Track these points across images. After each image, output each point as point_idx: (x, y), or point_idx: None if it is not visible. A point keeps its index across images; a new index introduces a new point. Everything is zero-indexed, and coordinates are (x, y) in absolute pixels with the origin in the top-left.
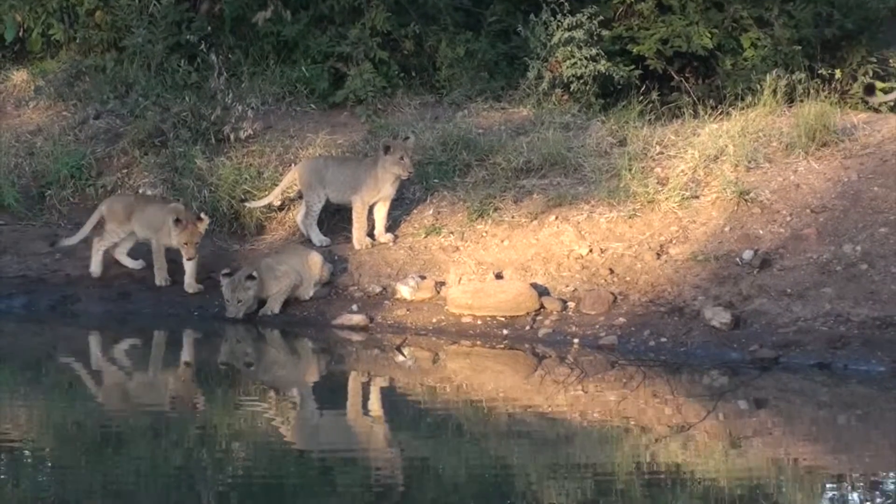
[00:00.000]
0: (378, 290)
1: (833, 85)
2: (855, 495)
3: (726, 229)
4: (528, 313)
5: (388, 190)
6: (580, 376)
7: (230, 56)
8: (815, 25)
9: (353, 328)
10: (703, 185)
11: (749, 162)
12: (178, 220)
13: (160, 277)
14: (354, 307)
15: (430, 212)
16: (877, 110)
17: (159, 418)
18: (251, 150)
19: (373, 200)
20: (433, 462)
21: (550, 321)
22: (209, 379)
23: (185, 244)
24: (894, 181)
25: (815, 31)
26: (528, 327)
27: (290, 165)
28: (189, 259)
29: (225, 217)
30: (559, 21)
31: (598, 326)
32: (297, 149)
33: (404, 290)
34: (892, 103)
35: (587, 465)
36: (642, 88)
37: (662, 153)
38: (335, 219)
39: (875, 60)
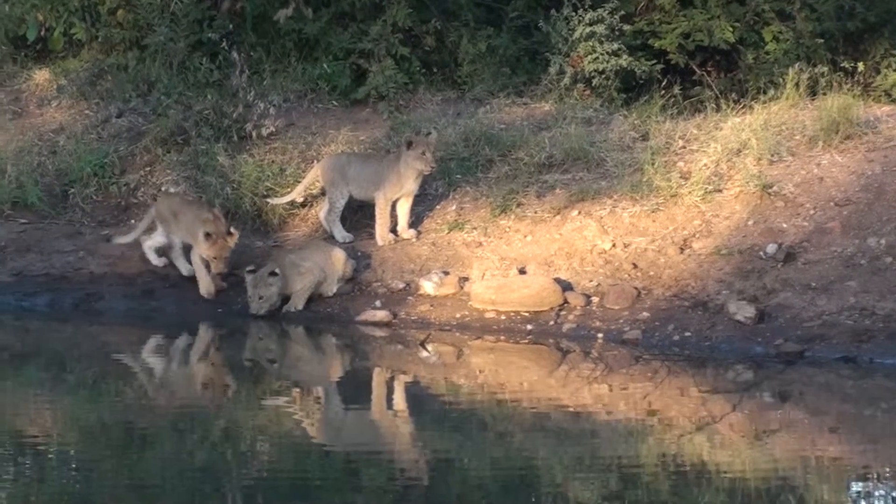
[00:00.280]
0: (401, 286)
1: (856, 78)
2: (881, 489)
3: (750, 223)
4: (551, 308)
5: (410, 186)
6: (605, 371)
7: (252, 54)
8: (838, 18)
9: (376, 324)
10: (726, 179)
11: (772, 155)
12: (208, 235)
13: (204, 289)
14: (378, 303)
15: (453, 207)
16: None
17: (184, 416)
18: (273, 148)
19: (395, 196)
20: (458, 458)
21: (574, 316)
22: (233, 376)
23: (215, 259)
24: None
25: (837, 24)
26: (551, 322)
27: (313, 162)
28: (217, 273)
29: (248, 214)
30: (580, 16)
31: (622, 321)
32: (320, 146)
33: (428, 286)
34: None
35: (612, 460)
36: (664, 83)
37: (685, 147)
38: (358, 215)
39: None
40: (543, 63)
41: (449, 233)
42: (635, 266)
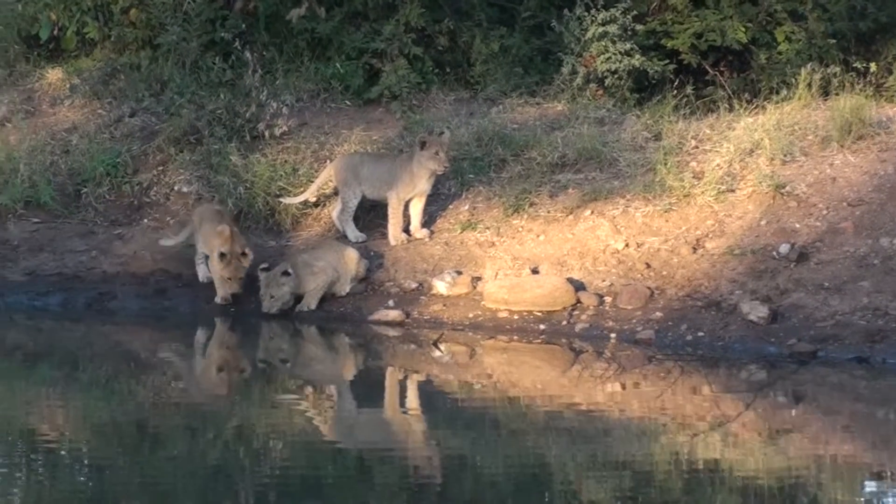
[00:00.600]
0: (414, 285)
1: (868, 78)
2: (895, 489)
3: (763, 223)
4: (564, 308)
5: (423, 186)
6: (617, 371)
7: (265, 53)
8: (850, 18)
9: (389, 324)
10: (738, 179)
11: (785, 155)
12: (223, 255)
13: (220, 295)
14: (391, 303)
15: (466, 207)
16: None
17: (197, 415)
18: (286, 147)
19: (408, 196)
20: (471, 457)
21: (587, 316)
22: (246, 375)
23: (229, 279)
24: None
25: (849, 24)
26: (564, 322)
27: (326, 162)
28: (232, 293)
29: (260, 214)
30: (593, 16)
31: (634, 321)
32: (332, 145)
33: (440, 286)
34: None
35: (625, 460)
36: (677, 83)
37: (698, 147)
38: (371, 215)
39: None
40: (556, 63)
41: (462, 232)
42: (648, 266)
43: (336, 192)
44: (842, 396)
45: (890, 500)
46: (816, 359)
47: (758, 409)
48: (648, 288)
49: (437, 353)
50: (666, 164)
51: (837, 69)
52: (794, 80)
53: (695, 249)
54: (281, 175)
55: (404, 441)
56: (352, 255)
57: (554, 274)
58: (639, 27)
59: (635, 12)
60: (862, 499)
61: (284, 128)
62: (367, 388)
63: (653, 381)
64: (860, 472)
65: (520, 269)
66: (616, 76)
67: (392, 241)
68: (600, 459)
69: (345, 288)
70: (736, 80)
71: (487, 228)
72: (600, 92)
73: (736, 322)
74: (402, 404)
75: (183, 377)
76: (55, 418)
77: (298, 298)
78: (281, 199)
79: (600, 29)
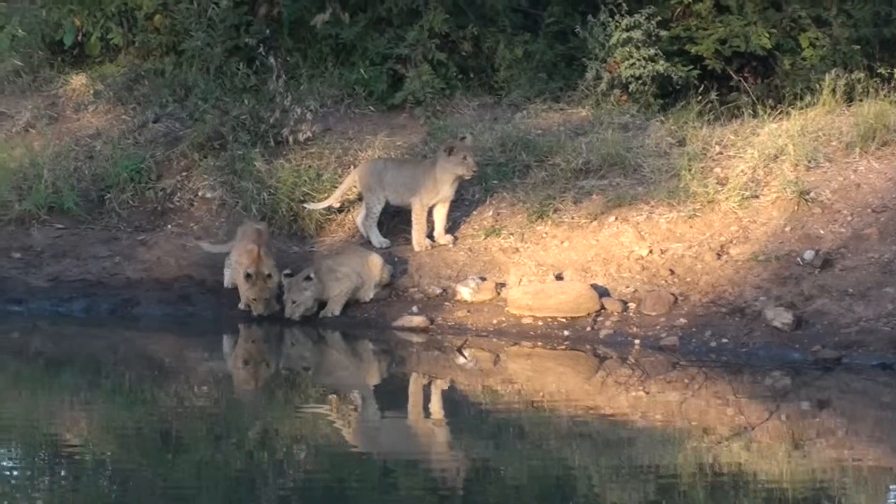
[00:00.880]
0: (438, 291)
1: (892, 84)
2: None
3: (787, 229)
4: (588, 314)
5: (447, 191)
6: (642, 377)
7: (289, 59)
8: (874, 25)
9: (413, 330)
10: (762, 185)
11: (809, 161)
12: (248, 276)
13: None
14: (415, 309)
15: (490, 213)
16: None
17: (220, 422)
18: (310, 153)
19: (432, 202)
20: (495, 464)
21: (611, 322)
22: (270, 381)
23: (254, 300)
24: None
25: (873, 30)
26: (588, 328)
27: (349, 167)
28: (258, 315)
29: (284, 219)
30: (617, 22)
31: (658, 327)
32: (356, 151)
33: (464, 292)
34: None
35: (650, 466)
36: (701, 88)
37: (722, 153)
38: (395, 220)
39: None
40: (580, 68)
41: (486, 238)
42: (672, 272)
43: (360, 198)
44: (866, 403)
45: None
46: (841, 365)
47: (782, 416)
48: (672, 294)
49: (461, 360)
50: (690, 170)
51: (862, 75)
52: (818, 86)
53: (719, 255)
54: (305, 180)
55: (428, 448)
56: (376, 260)
57: (578, 280)
58: (663, 33)
59: (659, 18)
60: None
61: (308, 133)
62: (392, 395)
63: (677, 387)
64: (884, 478)
65: (544, 276)
66: (640, 82)
67: (416, 247)
68: (624, 466)
69: (369, 294)
70: (760, 86)
71: (511, 234)
72: (624, 97)
73: (760, 328)
74: (426, 411)
75: (206, 383)
76: (78, 425)
77: (322, 304)
78: (305, 205)
79: (624, 34)
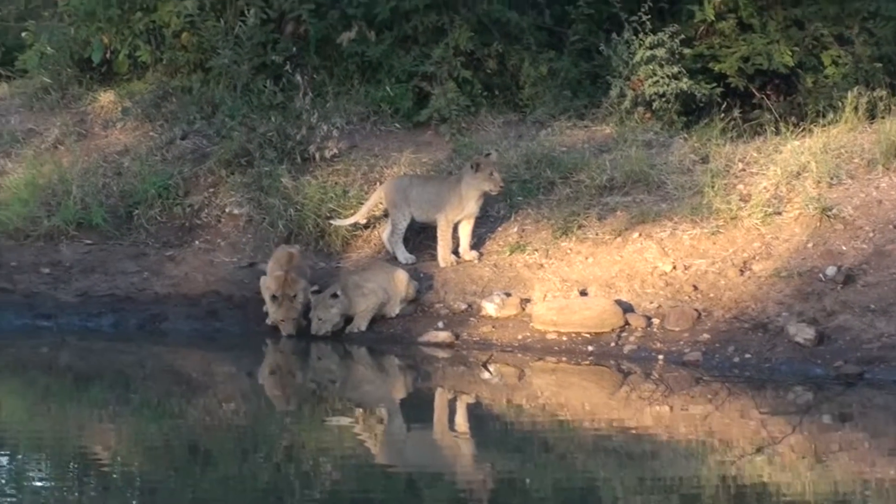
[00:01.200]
0: (463, 307)
1: None
2: None
3: (809, 245)
4: (612, 330)
5: (472, 207)
6: (665, 392)
7: (315, 76)
8: None
9: (439, 345)
10: (785, 202)
11: (831, 178)
12: (274, 297)
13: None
14: (440, 324)
15: (515, 229)
16: None
17: (247, 436)
18: (336, 169)
19: (457, 218)
20: (521, 478)
21: (635, 337)
22: (297, 396)
23: (282, 321)
24: None
25: (895, 48)
26: (613, 344)
27: (376, 184)
28: (287, 335)
29: (311, 235)
30: (641, 40)
31: (682, 343)
32: (382, 167)
33: (489, 307)
34: None
35: (673, 480)
36: (724, 106)
37: (745, 170)
38: (420, 237)
39: None
40: (604, 86)
41: (511, 254)
42: (695, 288)
43: (386, 214)
44: (888, 418)
45: None
46: (863, 380)
47: (804, 431)
48: (696, 310)
49: (486, 375)
50: (713, 186)
51: (883, 93)
52: (840, 104)
53: (742, 272)
54: (331, 197)
55: (454, 462)
56: (401, 276)
57: (602, 296)
58: (686, 51)
59: (683, 36)
60: None
61: (335, 150)
62: (417, 409)
63: (700, 402)
64: None
65: (568, 291)
66: (664, 99)
67: (441, 263)
68: (648, 481)
69: (395, 309)
70: (783, 104)
71: (536, 250)
72: (648, 115)
73: (782, 344)
74: (452, 425)
75: (233, 398)
76: (107, 439)
77: (349, 320)
78: (331, 221)
79: (648, 52)
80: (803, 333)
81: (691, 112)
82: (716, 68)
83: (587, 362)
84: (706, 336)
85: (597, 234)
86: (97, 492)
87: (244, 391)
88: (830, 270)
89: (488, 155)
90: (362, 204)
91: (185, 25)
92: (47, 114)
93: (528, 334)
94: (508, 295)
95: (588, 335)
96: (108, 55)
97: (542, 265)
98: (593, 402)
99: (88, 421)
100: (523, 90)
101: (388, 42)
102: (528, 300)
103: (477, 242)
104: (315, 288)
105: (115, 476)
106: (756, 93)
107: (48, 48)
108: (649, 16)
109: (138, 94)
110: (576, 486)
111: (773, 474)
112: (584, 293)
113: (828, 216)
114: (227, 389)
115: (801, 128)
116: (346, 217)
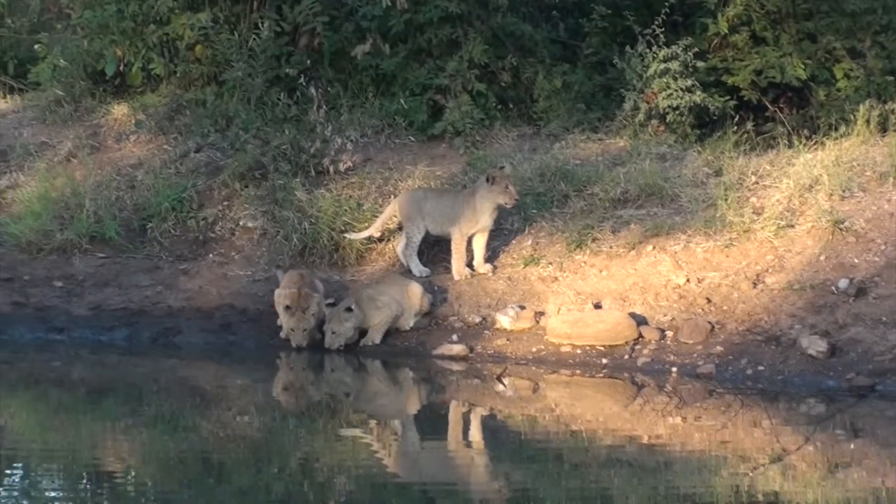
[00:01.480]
0: (478, 320)
1: None
2: None
3: (821, 258)
4: (626, 342)
5: (486, 221)
6: (679, 405)
7: (329, 89)
8: None
9: (453, 358)
10: (798, 215)
11: (843, 191)
12: (287, 307)
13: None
14: (454, 337)
15: (529, 242)
16: None
17: (261, 449)
18: (351, 182)
19: (471, 231)
20: (535, 491)
21: (649, 350)
22: (311, 409)
23: (293, 331)
24: None
25: None
26: (626, 356)
27: (390, 197)
28: (296, 346)
29: (325, 249)
30: (654, 53)
31: (695, 355)
32: (397, 181)
33: (504, 320)
34: None
35: (687, 493)
36: (737, 119)
37: (758, 183)
38: (435, 250)
39: None
40: (618, 99)
41: (525, 267)
42: (709, 301)
43: (400, 227)
44: None
45: None
46: (875, 392)
47: (817, 443)
48: (709, 322)
49: (500, 388)
50: (726, 199)
51: (895, 105)
52: (852, 117)
53: (755, 284)
54: (345, 210)
55: (468, 475)
56: (416, 289)
57: (616, 309)
58: (700, 64)
59: (696, 49)
60: None
61: (349, 163)
62: (432, 422)
63: (713, 414)
64: None
65: (582, 304)
66: (677, 112)
67: (456, 276)
68: (662, 493)
69: (409, 322)
70: (795, 117)
71: (550, 263)
72: (662, 128)
73: (795, 356)
74: (466, 438)
75: (247, 411)
76: (121, 452)
77: (363, 333)
78: (345, 234)
79: (662, 65)
80: (816, 346)
81: (705, 125)
82: (729, 81)
83: (601, 375)
84: (719, 349)
85: (611, 247)
86: None
87: (258, 404)
88: (843, 283)
89: (502, 168)
90: (377, 217)
91: (198, 38)
92: (60, 127)
93: (543, 347)
94: (523, 308)
95: (602, 348)
96: (121, 68)
97: (556, 278)
98: (607, 415)
99: (102, 434)
100: (537, 103)
101: (403, 55)
102: (542, 313)
103: (491, 255)
104: (330, 301)
105: (128, 489)
106: (769, 106)
107: (61, 61)
108: (663, 29)
109: (152, 107)
110: (590, 498)
111: (785, 486)
112: (598, 306)
113: (840, 229)
114: (241, 402)
115: (814, 141)
116: (360, 230)
